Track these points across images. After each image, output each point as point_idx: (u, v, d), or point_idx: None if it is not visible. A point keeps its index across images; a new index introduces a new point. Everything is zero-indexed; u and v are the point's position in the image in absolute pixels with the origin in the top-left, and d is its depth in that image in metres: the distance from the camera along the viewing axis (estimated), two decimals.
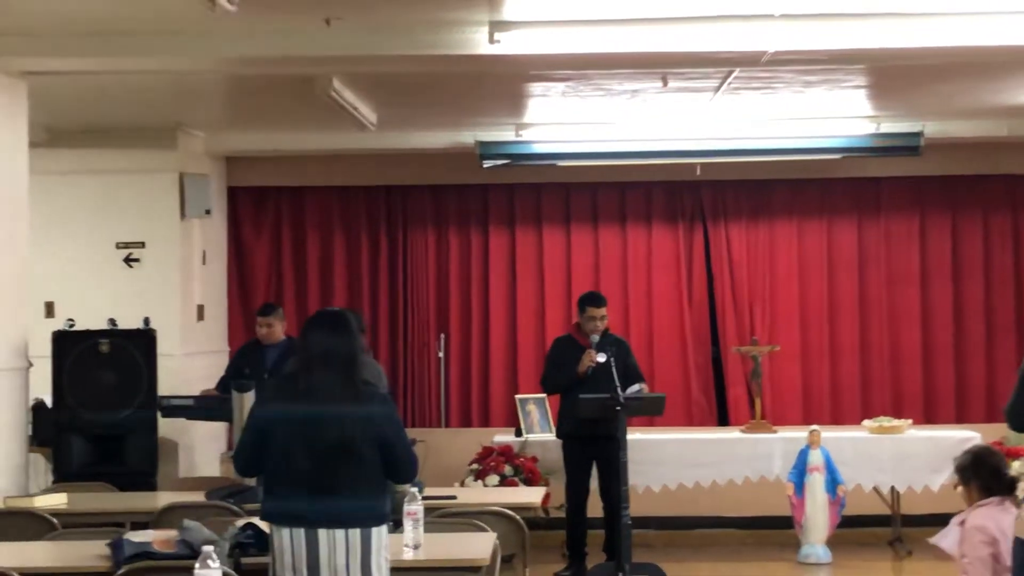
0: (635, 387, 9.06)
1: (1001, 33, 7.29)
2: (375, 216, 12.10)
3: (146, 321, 8.71)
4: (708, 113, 10.16)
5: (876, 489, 10.13)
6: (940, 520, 9.72)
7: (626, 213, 12.04)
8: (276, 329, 10.00)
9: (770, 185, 11.93)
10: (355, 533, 5.16)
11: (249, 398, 8.89)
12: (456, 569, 5.48)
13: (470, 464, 9.80)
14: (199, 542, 5.39)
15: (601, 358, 8.90)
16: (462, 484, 9.47)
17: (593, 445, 9.07)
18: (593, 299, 9.51)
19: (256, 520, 5.58)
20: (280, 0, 6.75)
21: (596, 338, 9.21)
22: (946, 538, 5.69)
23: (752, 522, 10.75)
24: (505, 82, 9.00)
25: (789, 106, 10.00)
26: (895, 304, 11.96)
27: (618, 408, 8.60)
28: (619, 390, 8.60)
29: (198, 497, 7.17)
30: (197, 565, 4.22)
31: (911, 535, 10.11)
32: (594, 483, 9.40)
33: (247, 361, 9.94)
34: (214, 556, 4.24)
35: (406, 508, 5.67)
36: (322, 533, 5.15)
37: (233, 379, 9.72)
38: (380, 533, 5.23)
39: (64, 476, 8.26)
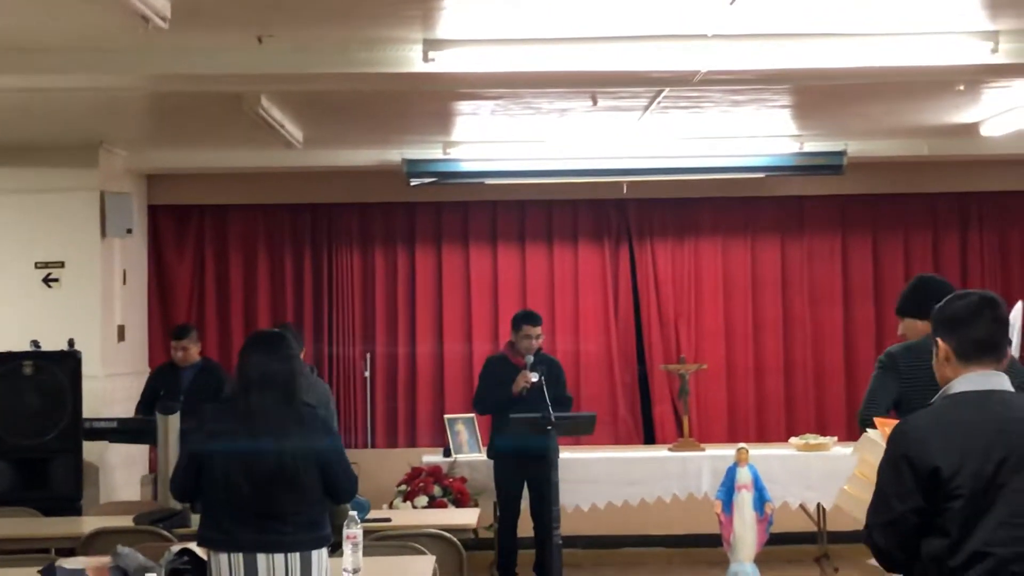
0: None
1: (922, 53, 7.38)
2: (300, 235, 11.99)
3: (71, 343, 8.55)
4: (636, 132, 10.18)
5: (803, 506, 10.18)
6: None
7: (553, 231, 12.03)
8: (191, 351, 9.92)
9: (695, 204, 11.98)
10: (295, 557, 5.09)
11: (174, 420, 8.76)
12: None
13: (398, 485, 9.71)
14: (134, 569, 5.29)
15: (535, 378, 8.87)
16: (391, 505, 9.38)
17: (525, 465, 9.02)
18: (529, 318, 9.47)
19: (191, 545, 5.47)
20: (212, 18, 6.66)
21: (531, 358, 9.17)
22: None
23: (681, 540, 10.77)
24: (434, 100, 8.95)
25: (715, 125, 10.05)
26: (818, 322, 12.06)
27: (549, 428, 8.57)
28: (550, 409, 8.58)
29: (126, 522, 7.03)
30: None
31: (838, 552, 10.18)
32: (524, 503, 9.36)
33: (163, 383, 9.81)
34: None
35: (345, 531, 5.57)
36: (261, 558, 5.07)
37: (149, 402, 9.60)
38: (320, 556, 5.16)
39: None
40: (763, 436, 11.64)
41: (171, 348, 9.94)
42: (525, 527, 9.35)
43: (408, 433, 11.90)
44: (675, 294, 12.00)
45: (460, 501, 9.57)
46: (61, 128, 9.74)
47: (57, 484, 8.22)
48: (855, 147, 10.97)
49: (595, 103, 8.82)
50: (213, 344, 11.77)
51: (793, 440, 10.41)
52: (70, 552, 6.38)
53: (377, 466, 10.51)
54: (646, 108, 9.18)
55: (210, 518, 5.17)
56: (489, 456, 9.51)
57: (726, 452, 9.92)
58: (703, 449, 10.24)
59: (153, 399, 9.62)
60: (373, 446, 11.70)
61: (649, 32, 7.15)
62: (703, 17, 6.91)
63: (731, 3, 6.51)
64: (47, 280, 10.35)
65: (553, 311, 11.86)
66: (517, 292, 11.91)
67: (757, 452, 9.92)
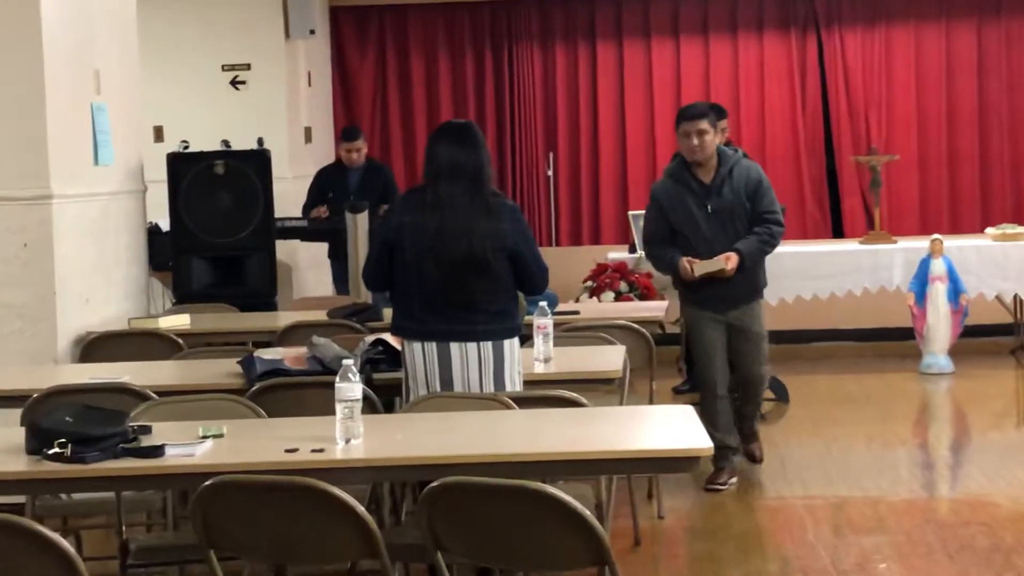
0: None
1: None
2: (479, 33, 11.91)
3: (260, 142, 8.62)
4: None
5: (999, 298, 9.93)
6: None
7: (737, 22, 11.73)
8: (362, 152, 9.91)
9: None
10: (487, 346, 5.10)
11: (363, 219, 8.85)
12: (588, 381, 5.41)
13: (584, 281, 9.72)
14: (330, 358, 5.36)
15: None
16: (577, 301, 9.39)
17: None
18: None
19: (386, 336, 5.52)
20: None
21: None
22: None
23: (872, 334, 10.61)
24: None
25: None
26: (1016, 110, 11.60)
27: None
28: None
29: (319, 316, 7.14)
30: (338, 379, 4.14)
31: None
32: None
33: (331, 185, 9.85)
34: (355, 369, 4.17)
35: (536, 322, 5.60)
36: (454, 347, 5.09)
37: (316, 204, 9.68)
38: (512, 346, 5.17)
39: (184, 298, 8.26)
40: (957, 228, 11.33)
41: (341, 150, 9.94)
42: None
43: (592, 231, 11.88)
44: (865, 83, 11.65)
45: (646, 296, 9.54)
46: None
47: (252, 281, 8.35)
48: None
49: None
50: (397, 144, 11.86)
51: (989, 230, 10.11)
52: (267, 345, 6.52)
53: (563, 263, 10.45)
54: None
55: (403, 308, 5.20)
56: None
57: (919, 244, 9.71)
58: (895, 242, 10.00)
59: (320, 200, 9.69)
60: (558, 244, 11.72)
61: None
62: None
63: None
64: (234, 83, 10.46)
65: (738, 105, 11.62)
66: (700, 86, 11.69)
67: (951, 243, 9.68)
